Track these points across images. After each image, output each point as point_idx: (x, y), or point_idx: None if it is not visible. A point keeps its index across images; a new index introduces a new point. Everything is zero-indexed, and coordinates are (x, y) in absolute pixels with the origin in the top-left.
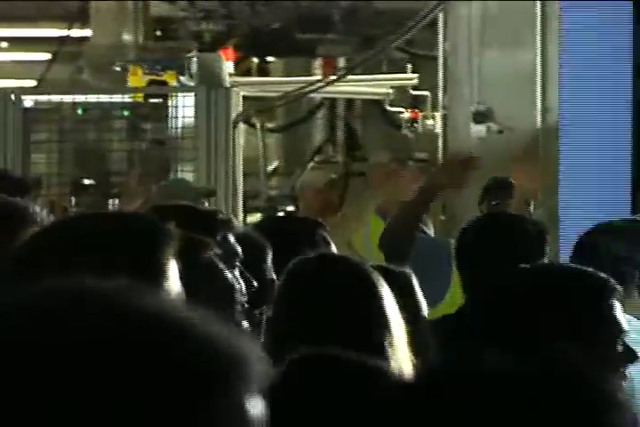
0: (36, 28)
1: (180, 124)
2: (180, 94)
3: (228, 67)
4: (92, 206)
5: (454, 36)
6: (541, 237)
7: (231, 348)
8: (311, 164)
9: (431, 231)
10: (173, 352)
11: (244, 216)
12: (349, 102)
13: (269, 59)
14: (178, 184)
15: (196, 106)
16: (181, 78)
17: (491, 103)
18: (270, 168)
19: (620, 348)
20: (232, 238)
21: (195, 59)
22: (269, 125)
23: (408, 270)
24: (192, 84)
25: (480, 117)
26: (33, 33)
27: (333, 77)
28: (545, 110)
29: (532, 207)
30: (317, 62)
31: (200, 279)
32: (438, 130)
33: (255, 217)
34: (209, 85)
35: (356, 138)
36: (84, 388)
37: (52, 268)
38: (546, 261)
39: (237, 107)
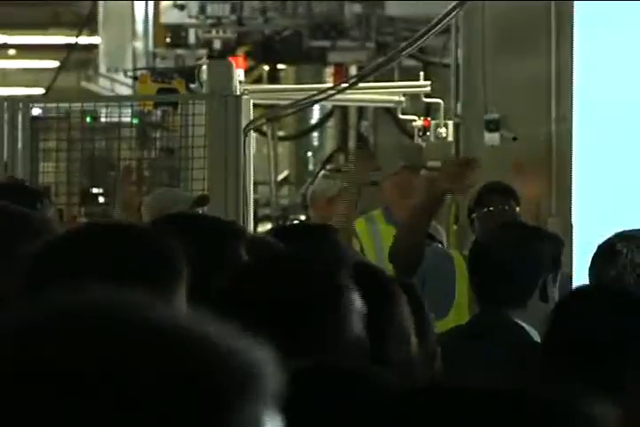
0: (45, 35)
1: (189, 133)
2: (189, 102)
3: (239, 74)
4: (102, 216)
5: (467, 44)
6: (557, 249)
7: (246, 361)
8: (322, 172)
9: (444, 239)
10: (189, 367)
11: (255, 225)
12: (361, 110)
13: (280, 66)
14: (167, 195)
15: (207, 114)
16: (191, 86)
17: (504, 111)
18: (281, 177)
19: None
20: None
21: (205, 66)
22: (280, 134)
23: (415, 282)
24: (202, 91)
25: (493, 125)
26: (41, 40)
27: (345, 85)
28: (559, 118)
29: (542, 216)
30: (329, 70)
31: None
32: (451, 138)
33: (266, 226)
34: (219, 93)
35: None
36: (102, 401)
37: (65, 281)
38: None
39: (248, 115)
